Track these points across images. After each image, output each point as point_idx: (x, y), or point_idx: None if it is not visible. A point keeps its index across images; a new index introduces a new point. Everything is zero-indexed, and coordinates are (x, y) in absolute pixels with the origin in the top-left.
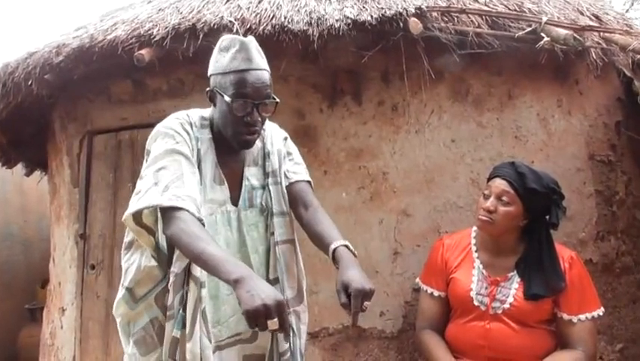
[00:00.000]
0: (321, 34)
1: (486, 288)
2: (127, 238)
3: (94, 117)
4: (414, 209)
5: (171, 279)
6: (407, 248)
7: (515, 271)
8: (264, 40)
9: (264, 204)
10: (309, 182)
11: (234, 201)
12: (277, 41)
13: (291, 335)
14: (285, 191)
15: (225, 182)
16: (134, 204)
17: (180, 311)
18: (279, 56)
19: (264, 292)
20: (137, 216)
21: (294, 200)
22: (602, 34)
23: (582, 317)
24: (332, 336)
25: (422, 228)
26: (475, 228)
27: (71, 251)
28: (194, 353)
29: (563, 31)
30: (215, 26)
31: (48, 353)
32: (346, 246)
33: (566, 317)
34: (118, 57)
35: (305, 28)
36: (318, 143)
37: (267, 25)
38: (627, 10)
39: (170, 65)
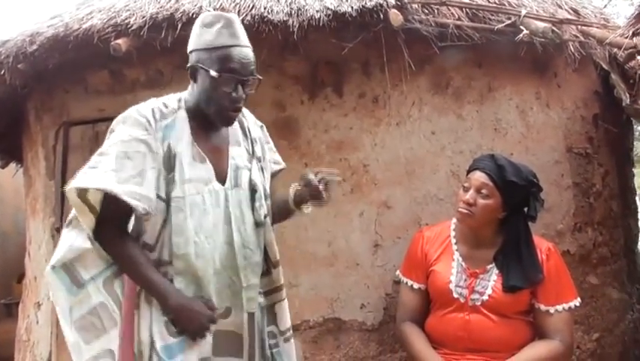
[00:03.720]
0: (301, 25)
1: (465, 280)
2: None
3: (70, 108)
4: (394, 201)
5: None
6: (388, 240)
7: (494, 264)
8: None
9: (250, 185)
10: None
11: (220, 179)
12: (257, 32)
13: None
14: (269, 177)
15: (207, 160)
16: (86, 178)
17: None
18: (259, 46)
19: (197, 315)
20: (83, 191)
21: (274, 187)
22: (579, 27)
23: (559, 307)
24: (313, 329)
25: (403, 220)
26: (454, 220)
27: (47, 245)
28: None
29: (541, 24)
30: (194, 16)
31: (24, 349)
32: None
33: (543, 307)
34: (94, 47)
35: (285, 18)
36: (298, 135)
37: (246, 15)
38: (605, 6)
39: (148, 55)
